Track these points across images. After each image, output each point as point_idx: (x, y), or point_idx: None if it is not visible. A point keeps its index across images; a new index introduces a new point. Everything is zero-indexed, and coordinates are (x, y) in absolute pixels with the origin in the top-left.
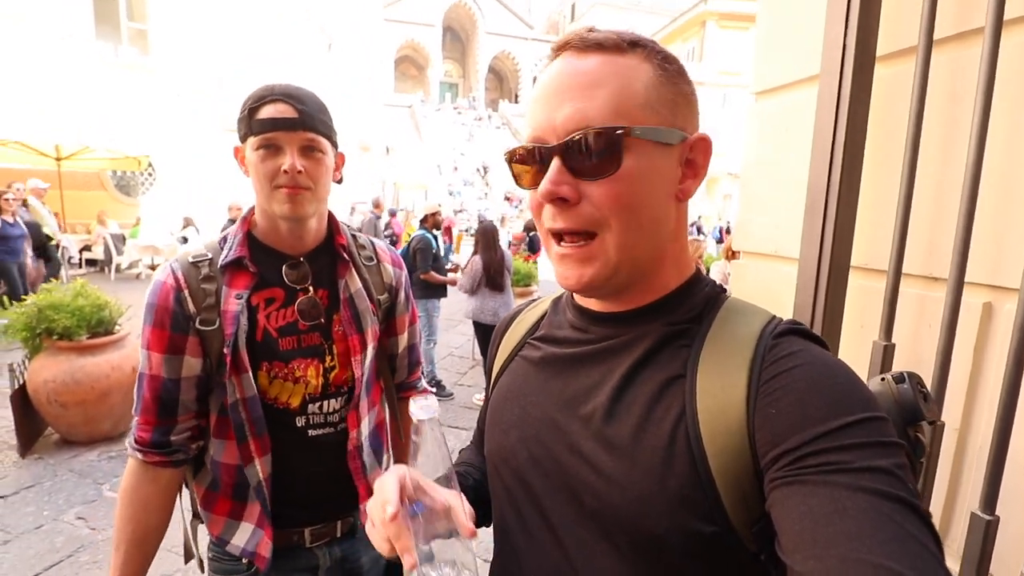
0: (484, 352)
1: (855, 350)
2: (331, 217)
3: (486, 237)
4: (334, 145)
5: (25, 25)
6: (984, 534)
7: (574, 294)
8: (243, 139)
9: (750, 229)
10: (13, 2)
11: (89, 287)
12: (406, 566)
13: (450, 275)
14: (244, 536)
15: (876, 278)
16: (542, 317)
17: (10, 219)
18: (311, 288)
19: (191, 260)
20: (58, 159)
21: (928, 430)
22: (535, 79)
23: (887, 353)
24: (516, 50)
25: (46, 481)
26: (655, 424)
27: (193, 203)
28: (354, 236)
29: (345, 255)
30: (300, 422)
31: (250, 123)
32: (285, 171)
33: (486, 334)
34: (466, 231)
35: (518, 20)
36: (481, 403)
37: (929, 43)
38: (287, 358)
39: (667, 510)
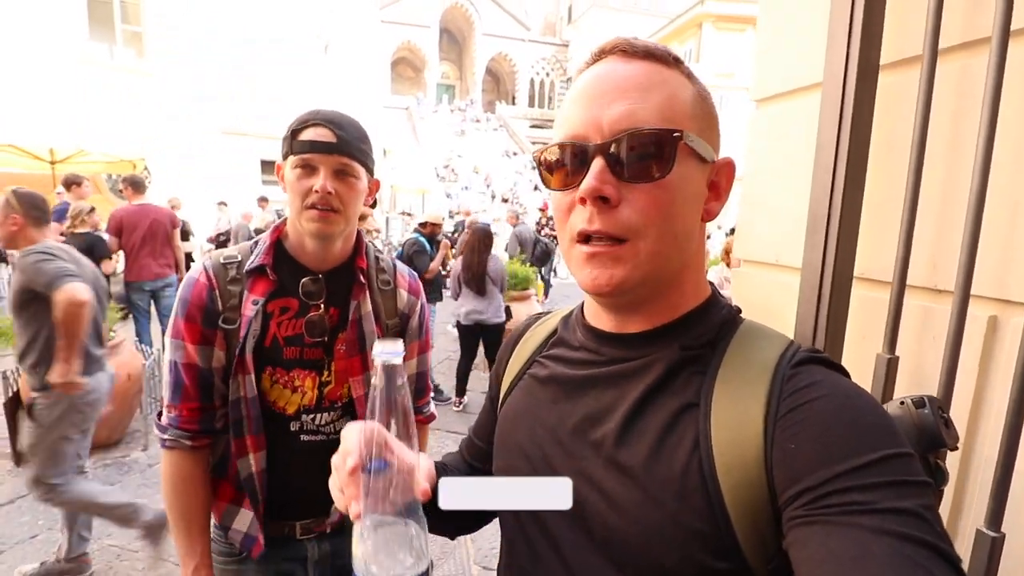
0: (464, 349)
1: (857, 362)
2: (359, 240)
3: (474, 238)
4: (369, 172)
5: (18, 27)
6: (990, 551)
7: (585, 314)
8: (284, 157)
9: (751, 237)
10: (6, 3)
11: None
12: (351, 515)
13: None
14: (244, 522)
15: (880, 289)
16: (552, 334)
17: None
18: (323, 305)
19: (222, 261)
20: (52, 163)
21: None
22: (532, 80)
23: (890, 366)
24: (513, 52)
25: None
26: (668, 454)
27: (188, 206)
28: (377, 259)
29: (362, 278)
30: (294, 427)
31: (291, 143)
32: (316, 191)
33: (465, 334)
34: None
35: (515, 22)
36: (479, 409)
37: (934, 52)
38: (288, 366)
39: (678, 543)
